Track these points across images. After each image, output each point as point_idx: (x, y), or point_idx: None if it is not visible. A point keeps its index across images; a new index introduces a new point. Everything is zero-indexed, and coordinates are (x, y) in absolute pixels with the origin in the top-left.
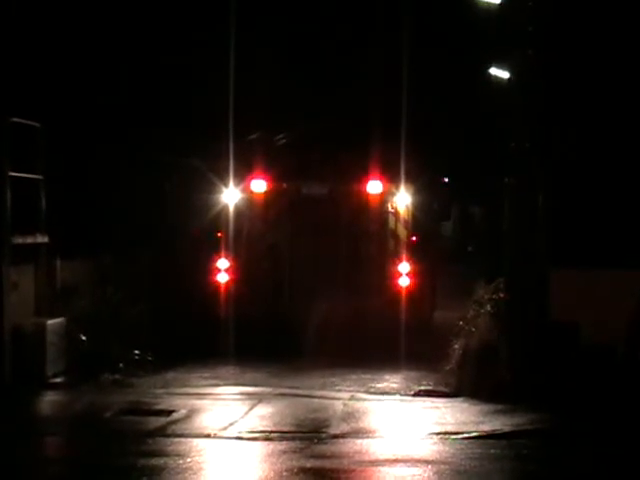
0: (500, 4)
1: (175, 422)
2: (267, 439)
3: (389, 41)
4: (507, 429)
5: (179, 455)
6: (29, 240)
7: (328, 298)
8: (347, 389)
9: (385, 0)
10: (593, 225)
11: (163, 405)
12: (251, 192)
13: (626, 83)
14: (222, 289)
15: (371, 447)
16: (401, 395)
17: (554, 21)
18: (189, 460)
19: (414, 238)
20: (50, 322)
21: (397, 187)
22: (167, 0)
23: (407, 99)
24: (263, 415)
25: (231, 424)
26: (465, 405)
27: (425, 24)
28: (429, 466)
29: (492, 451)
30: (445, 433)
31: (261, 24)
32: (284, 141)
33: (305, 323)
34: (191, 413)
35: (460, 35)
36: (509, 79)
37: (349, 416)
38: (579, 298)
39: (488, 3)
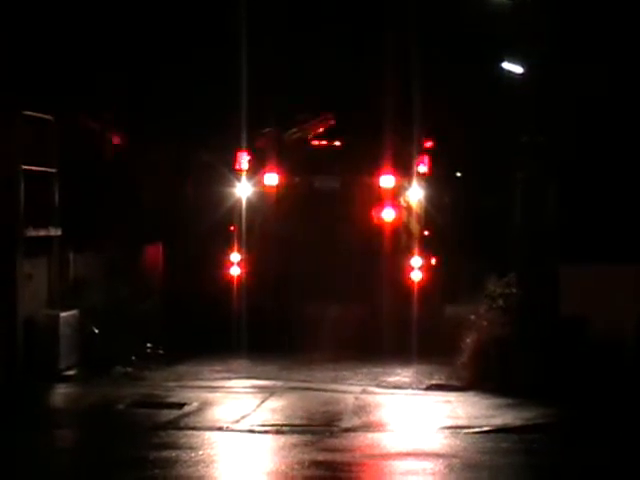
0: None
1: (187, 415)
2: (279, 432)
3: (401, 36)
4: (518, 423)
5: (191, 448)
6: (42, 233)
7: (340, 292)
8: (358, 383)
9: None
10: (604, 221)
11: (175, 398)
12: (264, 186)
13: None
14: (234, 282)
15: (382, 441)
16: (412, 389)
17: (570, 15)
18: (201, 453)
19: (426, 232)
20: (63, 314)
21: (409, 181)
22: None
23: (419, 93)
24: (275, 408)
25: (243, 417)
26: (476, 399)
27: (437, 18)
28: (440, 460)
29: (503, 445)
30: (456, 427)
31: (274, 18)
32: (297, 135)
33: (317, 317)
34: (203, 406)
35: (472, 31)
36: (522, 74)
37: (360, 410)
38: (589, 293)
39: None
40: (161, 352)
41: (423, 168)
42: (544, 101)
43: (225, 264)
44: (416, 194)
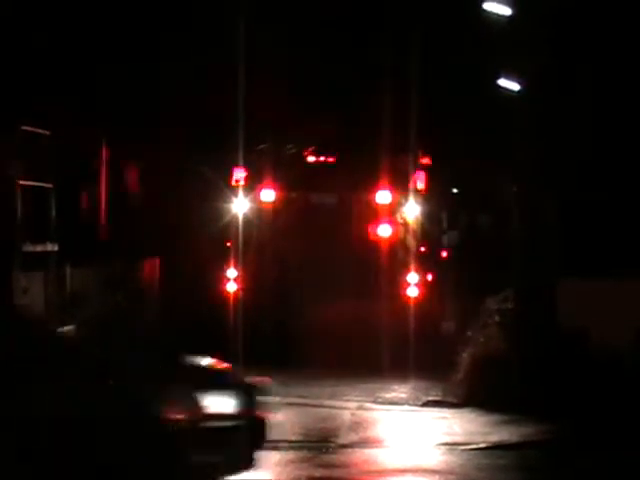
0: (509, 16)
1: None
2: (275, 448)
3: (399, 52)
4: (515, 440)
5: None
6: (39, 248)
7: (337, 307)
8: (355, 398)
9: (393, 14)
10: (603, 235)
11: None
12: (260, 202)
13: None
14: (231, 298)
15: (379, 457)
16: (409, 405)
17: (565, 34)
18: None
19: (423, 248)
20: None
21: (406, 197)
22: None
23: (417, 109)
24: (271, 424)
25: None
26: (473, 415)
27: (435, 35)
28: (437, 476)
29: (500, 462)
30: (453, 443)
31: (271, 32)
32: (294, 151)
33: (313, 332)
34: None
35: (469, 47)
36: (518, 90)
37: (357, 426)
38: (588, 307)
39: (498, 15)
40: None
41: (420, 184)
42: (540, 116)
43: (222, 279)
44: (413, 210)
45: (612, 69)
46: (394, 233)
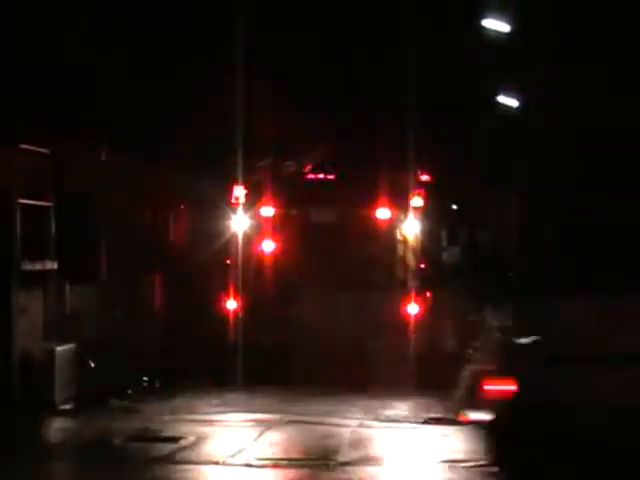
0: (508, 33)
1: (183, 449)
2: (275, 466)
3: (398, 70)
4: None
5: None
6: (38, 266)
7: (337, 324)
8: (355, 416)
9: (391, 34)
10: (604, 253)
11: (171, 432)
12: (260, 218)
13: (636, 106)
14: (231, 315)
15: (379, 475)
16: (410, 422)
17: (561, 51)
18: None
19: (422, 265)
20: (59, 348)
21: (406, 214)
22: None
23: (416, 125)
24: (272, 442)
25: (239, 451)
26: (474, 433)
27: (434, 55)
28: None
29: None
30: (454, 461)
31: (270, 50)
32: (293, 168)
33: (314, 349)
34: (199, 440)
35: (469, 64)
36: (517, 107)
37: (358, 443)
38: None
39: (497, 32)
40: (157, 385)
41: (419, 201)
42: (537, 134)
43: (222, 297)
44: (412, 227)
45: (611, 84)
46: (394, 250)
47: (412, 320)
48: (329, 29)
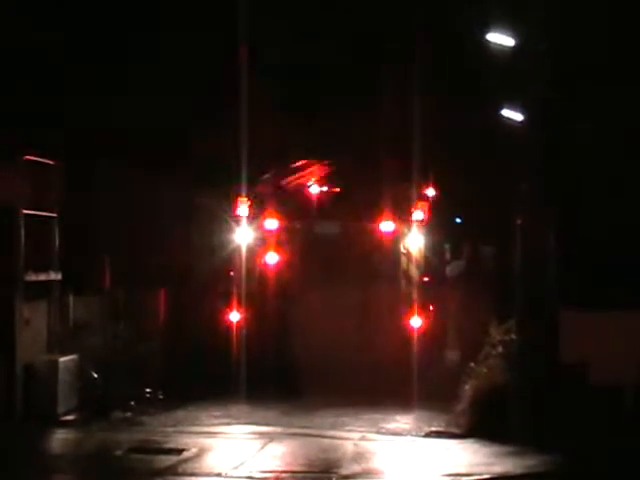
0: (512, 47)
1: (186, 461)
2: (278, 479)
3: (401, 82)
4: (519, 471)
5: None
6: (42, 277)
7: (339, 337)
8: (358, 429)
9: (396, 43)
10: (604, 265)
11: (174, 444)
12: (264, 231)
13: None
14: (234, 328)
15: None
16: (412, 436)
17: (565, 64)
18: None
19: (426, 278)
20: (62, 359)
21: (409, 227)
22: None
23: (419, 139)
24: (274, 454)
25: (242, 463)
26: (476, 446)
27: (438, 66)
28: None
29: None
30: (456, 475)
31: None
32: (296, 181)
33: (316, 362)
34: (202, 452)
35: (473, 78)
36: (521, 121)
37: (360, 456)
38: (590, 339)
39: (502, 45)
40: (160, 397)
41: (422, 214)
42: (542, 148)
43: (225, 309)
44: (416, 240)
45: (615, 101)
46: (397, 263)
47: (415, 333)
48: (329, 37)
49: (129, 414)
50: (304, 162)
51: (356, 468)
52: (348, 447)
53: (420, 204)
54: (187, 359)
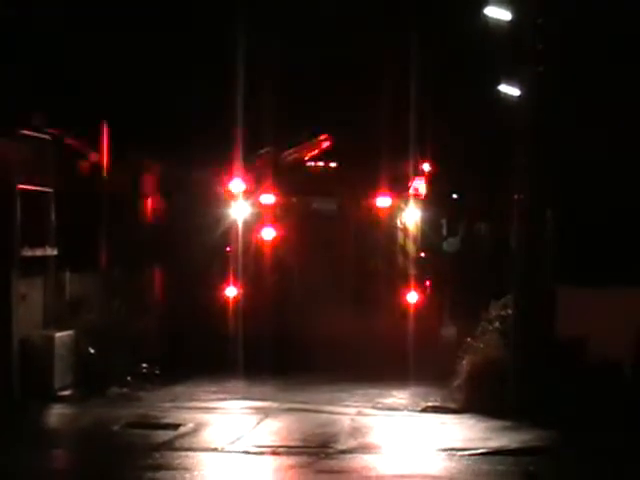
0: (510, 21)
1: (182, 436)
2: (274, 454)
3: (400, 56)
4: (514, 446)
5: (186, 469)
6: (38, 253)
7: (336, 312)
8: (354, 404)
9: (392, 19)
10: (601, 241)
11: (170, 419)
12: (260, 207)
13: (635, 99)
14: (230, 303)
15: (378, 463)
16: (408, 411)
17: (563, 38)
18: (196, 474)
19: (422, 254)
20: (58, 335)
21: (406, 202)
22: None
23: (417, 114)
24: (270, 430)
25: (238, 438)
26: (472, 421)
27: (434, 41)
28: None
29: (499, 467)
30: (452, 449)
31: (270, 39)
32: (293, 156)
33: (313, 337)
34: (198, 427)
35: (470, 52)
36: (519, 96)
37: (356, 431)
38: (587, 314)
39: (498, 20)
40: (157, 372)
41: (420, 190)
42: (537, 123)
43: (221, 284)
44: (412, 216)
45: (615, 76)
46: (394, 238)
47: (412, 308)
48: (327, 20)
49: (126, 390)
50: (302, 137)
51: (352, 443)
52: (345, 422)
53: (417, 179)
54: (184, 335)
